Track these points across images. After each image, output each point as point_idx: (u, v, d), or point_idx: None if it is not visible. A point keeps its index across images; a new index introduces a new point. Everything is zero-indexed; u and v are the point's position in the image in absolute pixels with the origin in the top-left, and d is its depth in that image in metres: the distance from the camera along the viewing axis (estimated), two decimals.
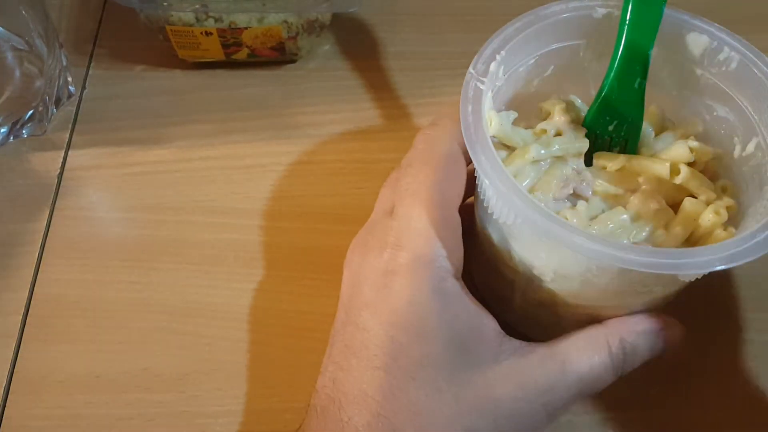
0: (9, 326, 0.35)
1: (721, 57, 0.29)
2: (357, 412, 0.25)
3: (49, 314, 0.35)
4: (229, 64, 0.43)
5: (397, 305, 0.26)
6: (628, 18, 0.28)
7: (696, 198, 0.28)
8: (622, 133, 0.30)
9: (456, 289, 0.27)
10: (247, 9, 0.39)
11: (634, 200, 0.28)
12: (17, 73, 0.41)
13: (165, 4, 0.38)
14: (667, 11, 0.29)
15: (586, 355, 0.27)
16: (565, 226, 0.24)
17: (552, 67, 0.31)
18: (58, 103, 0.42)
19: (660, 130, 0.31)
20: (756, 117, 0.28)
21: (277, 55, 0.43)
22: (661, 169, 0.28)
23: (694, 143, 0.29)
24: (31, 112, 0.40)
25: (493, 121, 0.28)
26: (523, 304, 0.31)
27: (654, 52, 0.28)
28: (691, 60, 0.30)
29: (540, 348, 0.27)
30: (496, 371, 0.26)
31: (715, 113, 0.30)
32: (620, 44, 0.28)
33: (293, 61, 0.44)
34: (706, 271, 0.24)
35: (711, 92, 0.30)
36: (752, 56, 0.28)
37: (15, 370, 0.34)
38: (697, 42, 0.29)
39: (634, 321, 0.28)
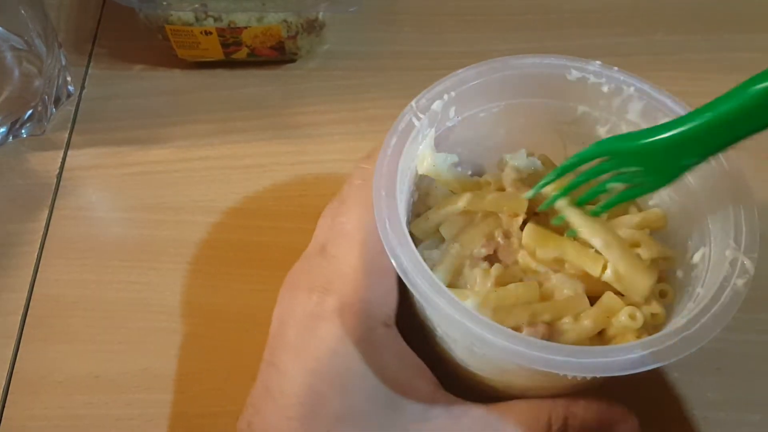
0: (8, 326, 0.35)
1: (707, 168, 0.27)
2: None
3: (49, 314, 0.35)
4: (228, 63, 0.43)
5: (319, 353, 0.25)
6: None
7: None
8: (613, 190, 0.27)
9: (386, 338, 0.25)
10: (247, 8, 0.39)
11: (553, 280, 0.26)
12: (16, 73, 0.41)
13: (164, 3, 0.38)
14: None
15: (522, 424, 0.25)
16: (445, 297, 0.22)
17: (522, 120, 0.30)
18: (57, 102, 0.41)
19: (623, 210, 0.29)
20: (711, 226, 0.26)
21: (276, 55, 0.43)
22: (593, 268, 0.26)
23: (646, 237, 0.27)
24: (30, 111, 0.40)
25: (426, 160, 0.27)
26: (452, 366, 0.29)
27: None
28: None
29: (475, 411, 0.25)
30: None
31: (676, 209, 0.29)
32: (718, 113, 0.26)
33: (293, 61, 0.44)
34: (569, 373, 0.22)
35: (682, 189, 0.28)
36: (726, 181, 0.27)
37: (14, 370, 0.33)
38: None
39: (583, 404, 0.26)
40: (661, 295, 0.27)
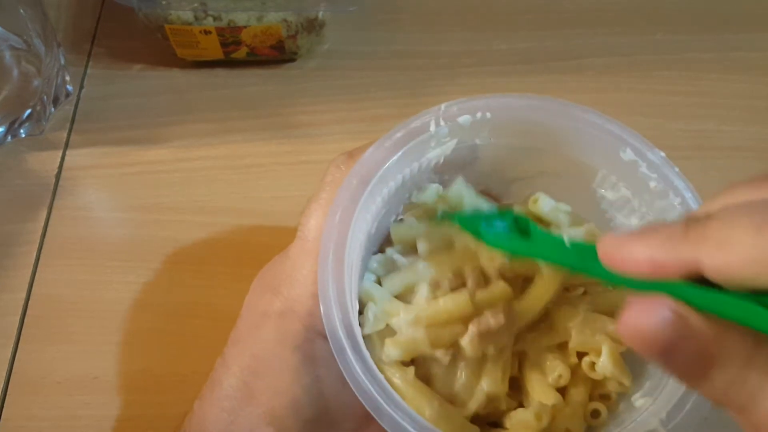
0: (7, 327, 0.34)
1: None
2: None
3: (47, 315, 0.35)
4: (228, 63, 0.43)
5: (259, 351, 0.25)
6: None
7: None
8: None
9: (324, 352, 0.25)
10: (247, 7, 0.39)
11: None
12: (15, 73, 0.40)
13: (164, 2, 0.38)
14: None
15: None
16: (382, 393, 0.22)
17: (563, 170, 0.28)
18: (56, 102, 0.41)
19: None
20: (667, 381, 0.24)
21: (276, 54, 0.43)
22: (527, 417, 0.25)
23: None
24: (29, 111, 0.40)
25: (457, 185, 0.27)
26: None
27: None
28: None
29: None
30: None
31: None
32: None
33: (293, 60, 0.44)
34: None
35: None
36: None
37: (13, 370, 0.33)
38: None
39: None
40: (593, 416, 0.26)
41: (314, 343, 0.25)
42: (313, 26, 0.42)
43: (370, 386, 0.22)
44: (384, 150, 0.25)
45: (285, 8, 0.39)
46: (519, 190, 0.29)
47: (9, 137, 0.40)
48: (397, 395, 0.22)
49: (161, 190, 0.39)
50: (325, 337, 0.24)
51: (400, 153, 0.25)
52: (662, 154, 0.26)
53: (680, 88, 0.43)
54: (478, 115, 0.26)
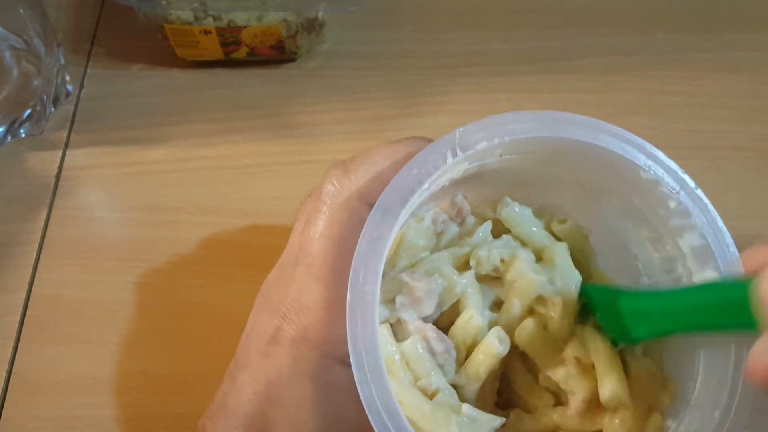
0: (7, 327, 0.34)
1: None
2: None
3: (47, 315, 0.35)
4: (228, 63, 0.43)
5: (274, 378, 0.24)
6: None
7: None
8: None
9: (342, 377, 0.24)
10: (246, 7, 0.39)
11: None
12: (15, 73, 0.40)
13: (164, 2, 0.38)
14: None
15: None
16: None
17: (576, 186, 0.28)
18: (56, 102, 0.41)
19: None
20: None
21: (276, 54, 0.43)
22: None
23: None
24: (28, 111, 0.40)
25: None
26: None
27: None
28: None
29: None
30: None
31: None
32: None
33: (292, 60, 0.44)
34: None
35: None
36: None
37: (13, 370, 0.33)
38: None
39: None
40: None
41: (331, 370, 0.24)
42: (313, 26, 0.42)
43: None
44: (401, 191, 0.23)
45: (285, 8, 0.39)
46: (515, 192, 0.29)
47: (9, 137, 0.40)
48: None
49: (161, 190, 0.39)
50: (344, 363, 0.24)
51: (416, 194, 0.23)
52: (693, 185, 0.25)
53: (681, 88, 0.43)
54: (496, 140, 0.24)
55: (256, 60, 0.43)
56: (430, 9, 0.47)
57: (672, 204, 0.25)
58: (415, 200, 0.24)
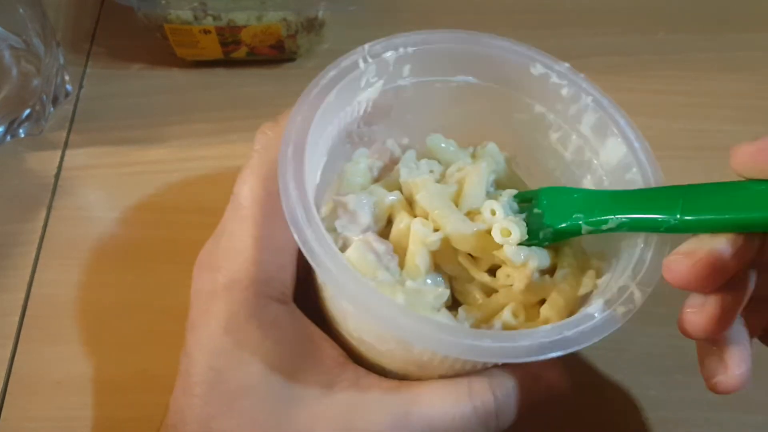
0: (6, 327, 0.34)
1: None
2: None
3: (47, 315, 0.35)
4: (227, 62, 0.43)
5: (214, 331, 0.24)
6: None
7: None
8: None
9: (281, 314, 0.25)
10: (246, 7, 0.39)
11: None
12: (14, 72, 0.40)
13: (163, 2, 0.38)
14: None
15: (439, 397, 0.23)
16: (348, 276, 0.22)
17: (479, 103, 0.29)
18: (55, 102, 0.41)
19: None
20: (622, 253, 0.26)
21: (276, 54, 0.43)
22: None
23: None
24: (28, 111, 0.40)
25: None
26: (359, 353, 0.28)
27: None
28: None
29: (386, 383, 0.24)
30: (325, 406, 0.24)
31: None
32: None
33: (292, 60, 0.44)
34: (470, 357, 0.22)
35: None
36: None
37: (12, 371, 0.33)
38: None
39: (503, 376, 0.25)
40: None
41: (267, 308, 0.25)
42: (312, 26, 0.41)
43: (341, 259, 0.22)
44: (321, 88, 0.26)
45: (284, 8, 0.39)
46: (443, 133, 0.30)
47: (8, 137, 0.40)
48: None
49: (161, 189, 0.39)
50: (280, 301, 0.25)
51: (336, 89, 0.26)
52: (567, 65, 0.28)
53: (681, 88, 0.43)
54: (401, 50, 0.27)
55: (255, 60, 0.43)
56: (429, 8, 0.47)
57: (564, 91, 0.28)
58: (335, 105, 0.26)
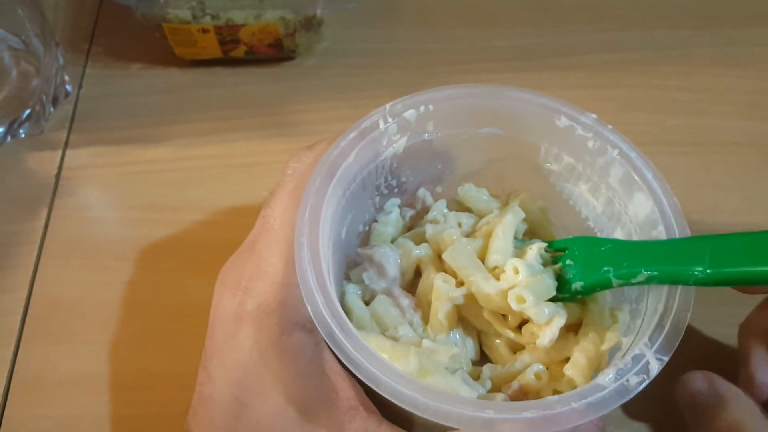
0: (8, 327, 0.34)
1: None
2: None
3: (48, 314, 0.35)
4: (226, 61, 0.43)
5: (240, 358, 0.24)
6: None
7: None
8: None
9: (303, 342, 0.24)
10: (244, 6, 0.39)
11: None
12: (14, 73, 0.40)
13: (161, 1, 0.38)
14: None
15: None
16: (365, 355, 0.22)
17: (506, 152, 0.29)
18: (55, 102, 0.41)
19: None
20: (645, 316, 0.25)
21: (274, 53, 0.43)
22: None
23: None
24: (28, 111, 0.40)
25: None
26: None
27: None
28: None
29: None
30: None
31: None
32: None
33: (291, 59, 0.44)
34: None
35: None
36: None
37: (14, 370, 0.33)
38: None
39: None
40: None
41: (291, 335, 0.24)
42: (311, 24, 0.41)
43: (365, 361, 0.22)
44: (341, 150, 0.26)
45: (283, 6, 0.39)
46: (474, 182, 0.31)
47: (8, 137, 0.40)
48: (389, 362, 0.22)
49: (161, 189, 0.39)
50: (305, 329, 0.24)
51: (355, 151, 0.26)
52: (594, 116, 0.27)
53: (679, 84, 0.43)
54: (422, 108, 0.27)
55: (254, 58, 0.43)
56: (428, 6, 0.47)
57: (590, 144, 0.27)
58: (354, 166, 0.26)
